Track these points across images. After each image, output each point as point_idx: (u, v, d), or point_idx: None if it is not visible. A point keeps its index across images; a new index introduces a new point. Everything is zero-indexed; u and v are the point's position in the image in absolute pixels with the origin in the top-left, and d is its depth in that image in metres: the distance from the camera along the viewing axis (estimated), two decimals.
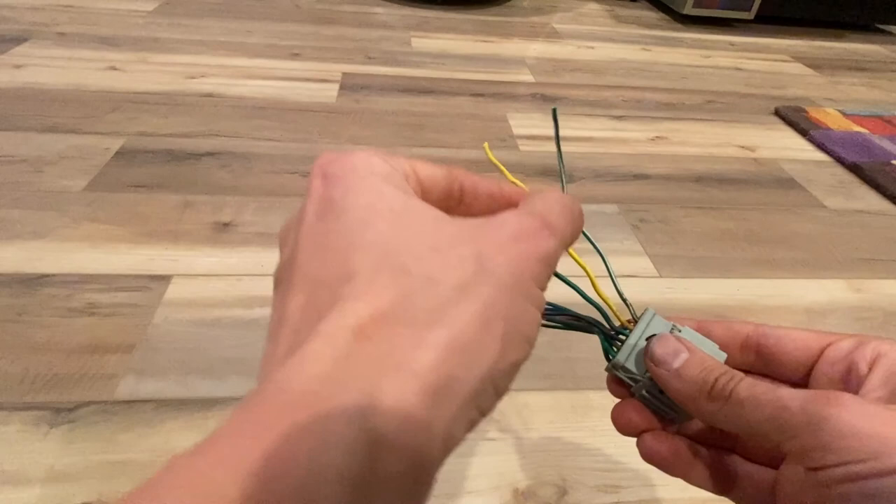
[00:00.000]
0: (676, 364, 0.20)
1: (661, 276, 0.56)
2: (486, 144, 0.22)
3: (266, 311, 0.47)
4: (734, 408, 0.18)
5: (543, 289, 0.16)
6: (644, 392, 0.21)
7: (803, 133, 0.88)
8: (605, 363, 0.22)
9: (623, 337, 0.22)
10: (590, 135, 0.82)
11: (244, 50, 0.96)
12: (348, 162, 0.17)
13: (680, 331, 0.21)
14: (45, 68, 0.83)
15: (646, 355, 0.21)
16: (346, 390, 0.12)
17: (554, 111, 0.24)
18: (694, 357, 0.20)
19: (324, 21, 1.15)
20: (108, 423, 0.37)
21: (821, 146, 0.84)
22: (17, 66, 0.82)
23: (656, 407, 0.21)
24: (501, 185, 0.20)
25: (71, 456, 0.35)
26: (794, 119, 0.90)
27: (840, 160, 0.80)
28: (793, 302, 0.54)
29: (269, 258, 0.52)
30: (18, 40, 0.90)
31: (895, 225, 0.68)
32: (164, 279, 0.49)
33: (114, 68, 0.85)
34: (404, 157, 0.18)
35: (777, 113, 0.94)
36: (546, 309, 0.21)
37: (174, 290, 0.48)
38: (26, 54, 0.86)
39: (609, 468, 0.38)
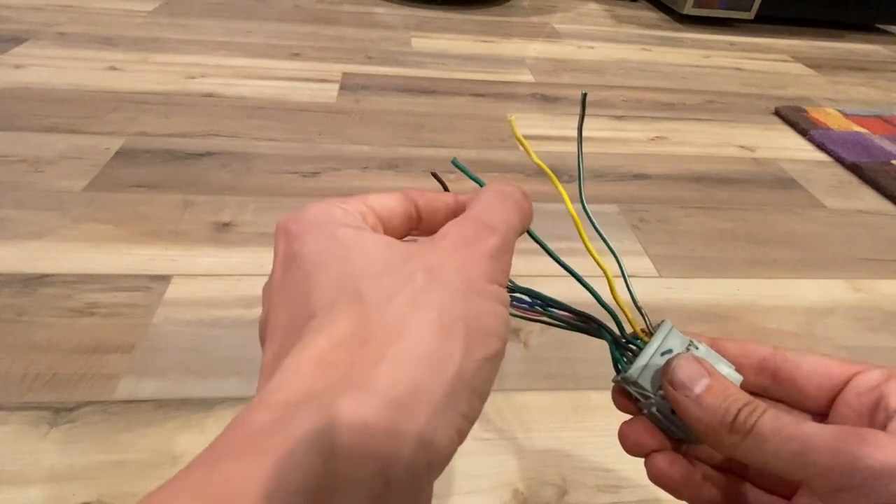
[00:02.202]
0: (698, 390, 0.19)
1: (661, 276, 0.56)
2: (512, 118, 0.21)
3: None
4: (756, 442, 0.17)
5: (502, 283, 0.17)
6: (654, 410, 0.20)
7: (803, 133, 0.88)
8: (608, 363, 0.21)
9: (634, 347, 0.21)
10: (590, 135, 0.82)
11: (244, 50, 0.96)
12: (305, 216, 0.18)
13: (697, 348, 0.20)
14: (45, 68, 0.83)
15: (664, 376, 0.19)
16: (304, 412, 0.13)
17: (583, 95, 0.23)
18: (716, 384, 0.19)
19: (324, 21, 1.15)
20: (108, 423, 0.37)
21: (821, 146, 0.84)
22: (17, 66, 0.82)
23: (665, 427, 0.20)
24: (456, 196, 0.20)
25: (71, 456, 0.35)
26: (794, 119, 0.90)
27: (840, 160, 0.80)
28: (793, 302, 0.54)
29: (269, 258, 0.52)
30: (18, 40, 0.90)
31: (895, 225, 0.68)
32: (164, 279, 0.49)
33: (114, 68, 0.85)
34: (358, 198, 0.19)
35: (777, 113, 0.94)
36: (552, 306, 0.21)
37: (174, 290, 0.48)
38: (26, 54, 0.86)
39: (609, 468, 0.38)
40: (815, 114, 0.93)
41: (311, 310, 0.15)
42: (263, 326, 0.17)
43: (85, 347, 0.42)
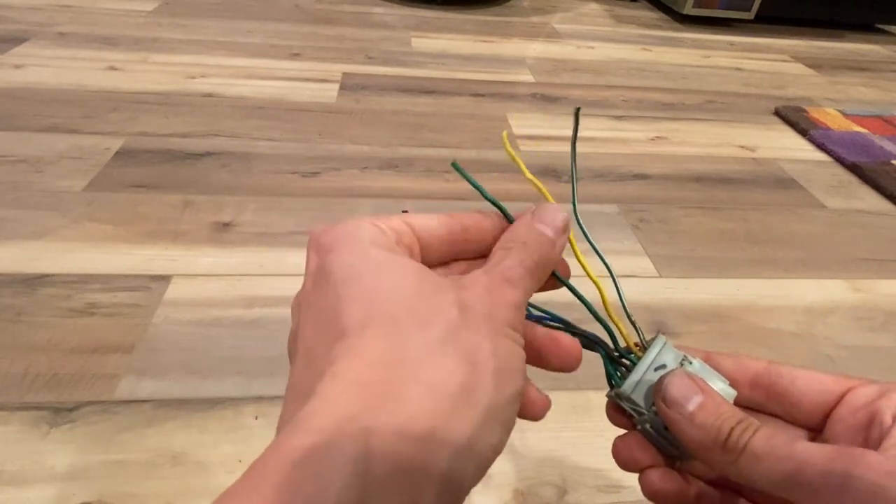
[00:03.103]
0: (691, 408, 0.18)
1: (661, 276, 0.55)
2: (504, 134, 0.21)
3: (265, 311, 0.47)
4: (749, 461, 0.17)
5: (519, 331, 0.17)
6: (648, 426, 0.20)
7: (803, 133, 0.88)
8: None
9: (627, 362, 0.21)
10: (590, 135, 0.82)
11: (244, 50, 0.96)
12: (338, 231, 0.18)
13: (691, 363, 0.20)
14: (45, 68, 0.83)
15: (656, 393, 0.19)
16: (342, 437, 0.13)
17: (576, 111, 0.22)
18: (709, 401, 0.19)
19: (324, 21, 1.15)
20: (108, 423, 0.37)
21: (821, 146, 0.84)
22: (17, 66, 0.82)
23: (659, 443, 0.20)
24: (499, 215, 0.20)
25: (71, 456, 0.35)
26: (794, 119, 0.90)
27: (840, 160, 0.80)
28: (793, 302, 0.54)
29: (269, 258, 0.52)
30: (18, 40, 0.90)
31: (895, 225, 0.68)
32: (164, 279, 0.49)
33: (114, 68, 0.85)
34: (399, 217, 0.19)
35: (777, 113, 0.94)
36: (546, 318, 0.21)
37: (174, 290, 0.48)
38: (26, 54, 0.86)
39: (609, 468, 0.38)
40: (815, 114, 0.93)
41: (341, 327, 0.15)
42: (293, 341, 0.17)
43: (85, 347, 0.42)
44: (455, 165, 0.21)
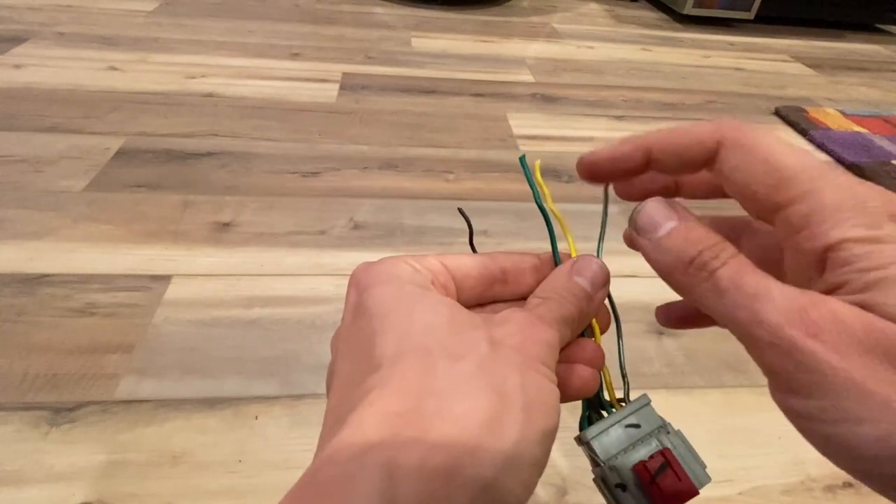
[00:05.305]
0: (660, 234, 0.17)
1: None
2: (537, 164, 0.20)
3: (265, 311, 0.47)
4: (710, 292, 0.15)
5: (551, 368, 0.17)
6: (599, 480, 0.20)
7: (803, 133, 0.88)
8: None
9: (605, 413, 0.21)
10: (590, 135, 0.82)
11: (244, 50, 0.96)
12: (376, 269, 0.18)
13: (668, 433, 0.20)
14: (45, 68, 0.83)
15: (631, 222, 0.18)
16: (367, 465, 0.13)
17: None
18: (681, 226, 0.17)
19: (324, 21, 1.15)
20: (108, 423, 0.37)
21: (821, 146, 0.84)
22: (17, 66, 0.82)
23: (608, 498, 0.20)
24: (539, 255, 0.21)
25: (71, 456, 0.35)
26: (795, 119, 0.90)
27: (840, 160, 0.80)
28: None
29: (269, 258, 0.52)
30: (18, 40, 0.90)
31: None
32: (164, 279, 0.49)
33: (114, 68, 0.85)
34: (434, 256, 0.19)
35: (777, 113, 0.94)
36: None
37: (174, 290, 0.48)
38: (26, 54, 0.86)
39: None
40: (815, 114, 0.93)
41: (375, 360, 0.16)
42: (330, 376, 0.18)
43: (85, 347, 0.42)
44: (522, 161, 0.21)
